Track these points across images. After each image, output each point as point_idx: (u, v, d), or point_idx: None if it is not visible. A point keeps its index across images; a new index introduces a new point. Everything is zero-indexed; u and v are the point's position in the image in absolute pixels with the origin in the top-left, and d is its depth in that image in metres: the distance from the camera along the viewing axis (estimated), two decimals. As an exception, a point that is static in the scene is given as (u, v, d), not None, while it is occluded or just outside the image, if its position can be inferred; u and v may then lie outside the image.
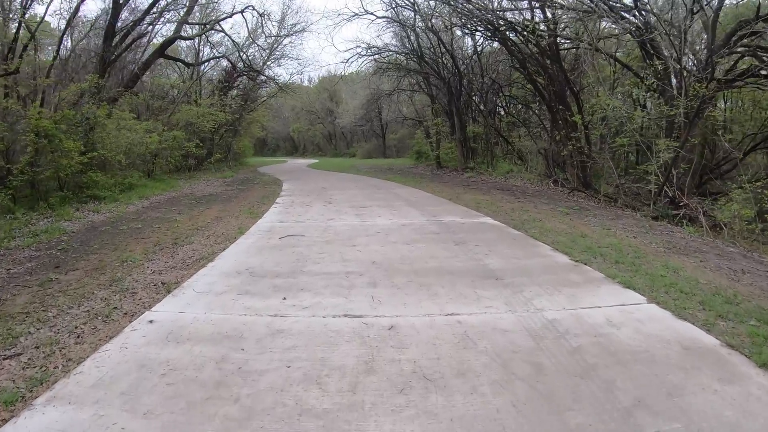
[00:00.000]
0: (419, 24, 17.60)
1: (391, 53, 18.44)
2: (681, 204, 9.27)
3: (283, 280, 4.02)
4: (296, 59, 26.98)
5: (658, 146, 9.67)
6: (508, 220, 7.08)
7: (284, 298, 3.56)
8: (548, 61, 13.78)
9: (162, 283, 4.23)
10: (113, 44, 13.26)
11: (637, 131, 11.51)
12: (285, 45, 22.19)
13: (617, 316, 3.19)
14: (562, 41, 13.77)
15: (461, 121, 18.19)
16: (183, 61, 16.65)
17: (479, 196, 10.17)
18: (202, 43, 19.46)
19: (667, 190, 9.71)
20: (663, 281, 3.97)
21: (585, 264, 4.60)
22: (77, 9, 12.86)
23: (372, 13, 16.79)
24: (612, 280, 4.06)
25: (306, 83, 45.58)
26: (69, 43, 16.70)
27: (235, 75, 18.81)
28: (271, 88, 23.53)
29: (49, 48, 17.83)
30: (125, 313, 3.43)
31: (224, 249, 5.27)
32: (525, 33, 13.36)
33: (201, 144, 16.19)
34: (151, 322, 3.18)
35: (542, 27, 12.58)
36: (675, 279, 4.07)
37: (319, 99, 41.01)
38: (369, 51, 17.76)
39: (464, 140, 18.18)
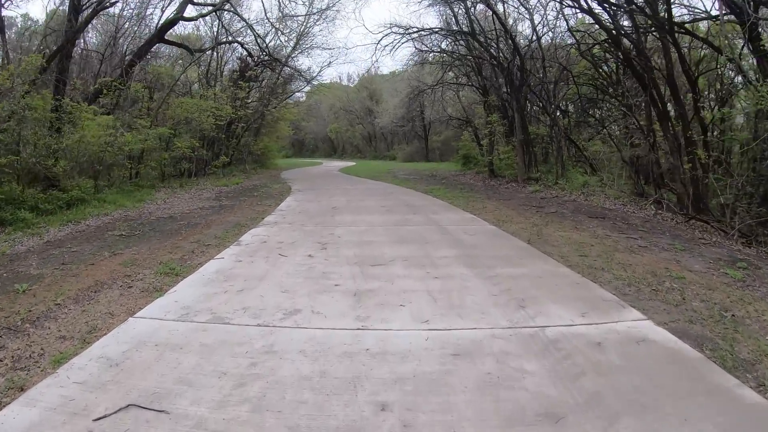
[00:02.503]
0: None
1: (433, 32, 14.39)
2: None
3: None
4: (327, 48, 23.12)
5: None
6: (682, 323, 2.97)
7: None
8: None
9: None
10: (79, 20, 10.11)
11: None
12: (316, 35, 18.69)
13: None
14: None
15: (523, 120, 13.89)
16: (185, 47, 13.44)
17: (573, 233, 6.02)
18: (219, 31, 16.24)
19: None
20: None
21: None
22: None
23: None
24: None
25: (345, 82, 42.24)
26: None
27: (252, 64, 15.42)
28: (300, 82, 20.11)
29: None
30: None
31: None
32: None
33: (200, 144, 12.89)
34: None
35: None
36: None
37: (359, 98, 37.38)
38: (406, 32, 13.79)
39: (527, 143, 13.88)
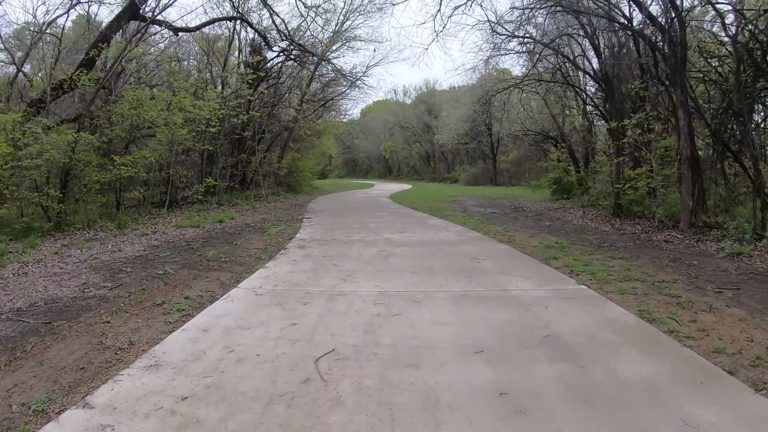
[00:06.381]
0: None
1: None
2: None
3: None
4: (373, 41, 17.79)
5: None
6: None
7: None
8: None
9: None
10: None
11: None
12: (359, 26, 13.80)
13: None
14: None
15: (690, 124, 7.88)
16: (168, 24, 8.91)
17: None
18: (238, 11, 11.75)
19: None
20: None
21: None
22: None
23: None
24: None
25: (401, 96, 37.38)
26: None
27: (264, 52, 10.70)
28: (342, 86, 15.30)
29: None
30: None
31: None
32: None
33: (178, 160, 8.18)
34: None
35: None
36: None
37: (416, 112, 32.15)
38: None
39: (694, 164, 7.81)
